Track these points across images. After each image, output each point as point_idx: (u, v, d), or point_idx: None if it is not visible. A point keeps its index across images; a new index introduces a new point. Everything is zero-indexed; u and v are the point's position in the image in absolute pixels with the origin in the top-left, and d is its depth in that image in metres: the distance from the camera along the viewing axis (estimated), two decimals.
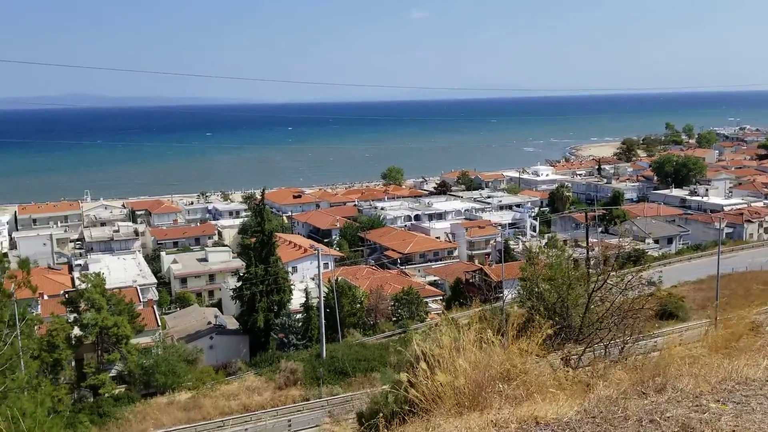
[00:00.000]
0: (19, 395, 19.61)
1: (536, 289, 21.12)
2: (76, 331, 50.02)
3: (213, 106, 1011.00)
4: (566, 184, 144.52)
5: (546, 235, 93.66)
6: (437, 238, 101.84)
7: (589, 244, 51.41)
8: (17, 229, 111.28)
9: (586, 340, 17.39)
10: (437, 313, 68.06)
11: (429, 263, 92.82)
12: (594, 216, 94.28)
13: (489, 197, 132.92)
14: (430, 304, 70.50)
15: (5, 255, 72.59)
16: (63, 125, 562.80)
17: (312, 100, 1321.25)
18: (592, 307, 18.99)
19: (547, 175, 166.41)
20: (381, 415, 5.41)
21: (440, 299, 72.73)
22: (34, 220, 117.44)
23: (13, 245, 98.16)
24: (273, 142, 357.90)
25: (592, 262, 26.68)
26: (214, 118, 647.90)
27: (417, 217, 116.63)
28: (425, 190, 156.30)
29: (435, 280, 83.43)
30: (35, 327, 41.77)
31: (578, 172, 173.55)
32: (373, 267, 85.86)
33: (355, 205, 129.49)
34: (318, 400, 47.80)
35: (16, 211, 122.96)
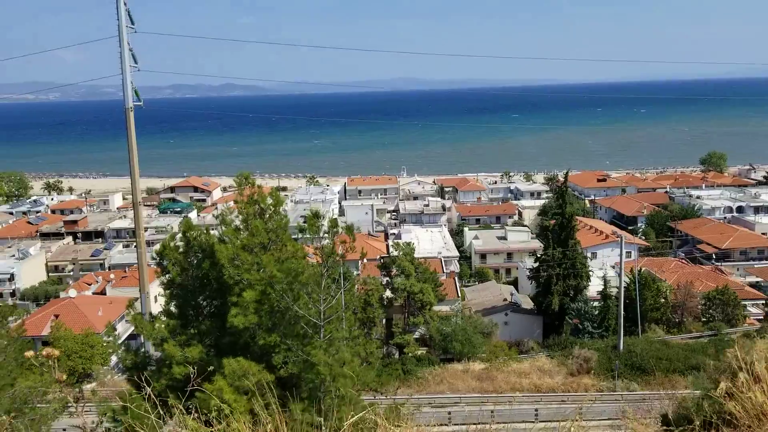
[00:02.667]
0: (341, 344, 22.60)
1: None
2: (388, 293, 55.47)
3: (529, 87, 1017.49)
4: None
5: None
6: (763, 234, 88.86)
7: None
8: (345, 198, 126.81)
9: None
10: (757, 319, 59.90)
11: (751, 262, 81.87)
12: None
13: None
14: (749, 308, 62.32)
15: (335, 221, 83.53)
16: (390, 107, 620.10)
17: (632, 78, 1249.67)
18: None
19: None
20: (696, 423, 5.11)
21: (763, 303, 63.70)
22: (360, 191, 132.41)
23: (341, 212, 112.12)
24: (582, 122, 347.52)
25: None
26: (523, 99, 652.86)
27: (740, 209, 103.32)
28: (752, 179, 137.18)
29: (757, 282, 73.40)
30: (355, 286, 47.52)
31: None
32: (683, 260, 78.57)
33: (666, 191, 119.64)
34: (612, 393, 45.93)
35: (345, 183, 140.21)
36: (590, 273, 62.48)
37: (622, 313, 51.78)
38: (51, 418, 29.66)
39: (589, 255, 71.75)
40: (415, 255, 58.17)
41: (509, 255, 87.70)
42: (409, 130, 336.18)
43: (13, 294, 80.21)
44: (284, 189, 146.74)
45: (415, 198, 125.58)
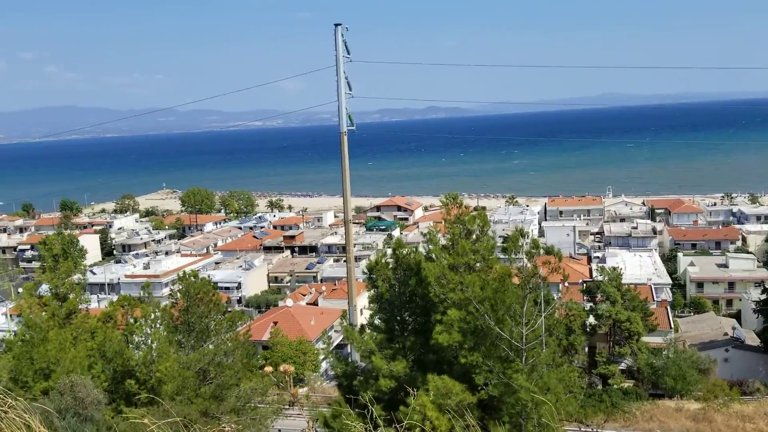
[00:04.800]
0: (544, 370, 22.07)
1: None
2: (591, 319, 52.95)
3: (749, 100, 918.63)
4: None
5: None
6: None
7: None
8: (546, 219, 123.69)
9: None
10: None
11: None
12: None
13: None
14: None
15: (537, 241, 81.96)
16: (594, 124, 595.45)
17: None
18: None
19: None
20: None
21: None
22: (561, 212, 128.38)
23: (541, 233, 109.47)
24: None
25: None
26: (752, 113, 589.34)
27: None
28: None
29: None
30: (556, 310, 46.05)
31: None
32: None
33: None
34: None
35: (546, 203, 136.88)
36: None
37: None
38: (269, 418, 32.54)
39: None
40: (622, 280, 55.07)
41: (731, 285, 79.29)
42: (613, 149, 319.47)
43: (239, 301, 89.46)
44: (483, 209, 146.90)
45: (622, 220, 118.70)
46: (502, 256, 20.69)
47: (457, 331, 19.03)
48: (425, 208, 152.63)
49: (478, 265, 20.61)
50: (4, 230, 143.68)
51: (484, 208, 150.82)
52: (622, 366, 52.64)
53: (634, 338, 50.46)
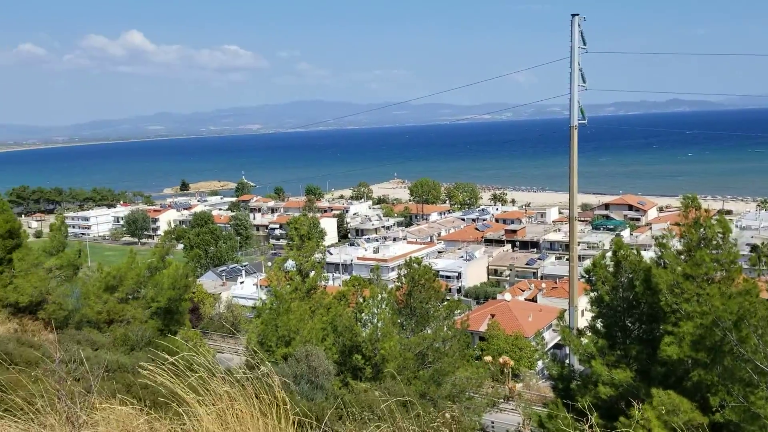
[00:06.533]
0: None
1: None
2: None
3: None
4: None
5: None
6: None
7: None
8: None
9: None
10: None
11: None
12: None
13: None
14: None
15: None
16: None
17: None
18: None
19: None
20: None
21: None
22: None
23: None
24: None
25: None
26: None
27: None
28: None
29: None
30: None
31: None
32: None
33: None
34: None
35: None
36: None
37: None
38: (483, 410, 32.95)
39: None
40: None
41: None
42: None
43: (459, 290, 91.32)
44: (729, 213, 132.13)
45: None
46: (747, 267, 18.60)
47: (689, 345, 17.56)
48: (660, 209, 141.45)
49: (717, 275, 18.75)
50: (259, 210, 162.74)
51: (729, 212, 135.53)
52: None
53: None
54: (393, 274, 73.76)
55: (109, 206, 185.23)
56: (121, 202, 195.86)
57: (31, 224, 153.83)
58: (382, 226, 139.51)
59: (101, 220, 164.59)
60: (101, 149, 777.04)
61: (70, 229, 74.31)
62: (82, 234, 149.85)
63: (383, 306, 31.03)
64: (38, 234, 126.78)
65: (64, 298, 24.67)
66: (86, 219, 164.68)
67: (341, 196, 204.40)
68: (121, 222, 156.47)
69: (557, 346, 57.32)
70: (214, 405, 4.88)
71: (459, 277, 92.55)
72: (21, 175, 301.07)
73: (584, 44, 40.52)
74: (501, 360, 48.78)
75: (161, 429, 5.10)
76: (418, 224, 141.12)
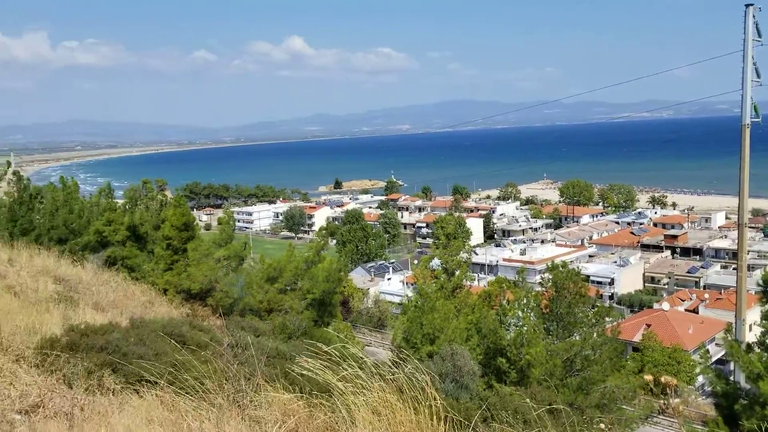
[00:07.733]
0: None
1: None
2: None
3: None
4: None
5: None
6: None
7: None
8: None
9: None
10: None
11: None
12: None
13: None
14: None
15: None
16: None
17: None
18: None
19: None
20: None
21: None
22: None
23: None
24: None
25: None
26: None
27: None
28: None
29: None
30: None
31: None
32: None
33: None
34: None
35: None
36: None
37: None
38: (636, 422, 31.35)
39: None
40: None
41: None
42: None
43: (611, 297, 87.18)
44: None
45: None
46: None
47: None
48: None
49: None
50: (406, 209, 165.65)
51: None
52: None
53: None
54: (539, 277, 72.08)
55: (270, 202, 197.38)
56: (281, 199, 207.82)
57: (201, 218, 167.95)
58: (530, 228, 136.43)
59: (263, 216, 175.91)
60: (264, 149, 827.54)
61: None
62: (246, 228, 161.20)
63: (528, 310, 30.56)
64: (207, 227, 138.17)
65: (230, 287, 26.81)
66: (249, 214, 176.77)
67: (488, 197, 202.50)
68: (281, 217, 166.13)
69: (719, 361, 53.06)
70: (365, 396, 5.17)
71: (611, 283, 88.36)
72: (193, 171, 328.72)
73: (759, 36, 37.12)
74: (663, 379, 46.03)
75: (319, 416, 5.48)
76: (568, 226, 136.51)
